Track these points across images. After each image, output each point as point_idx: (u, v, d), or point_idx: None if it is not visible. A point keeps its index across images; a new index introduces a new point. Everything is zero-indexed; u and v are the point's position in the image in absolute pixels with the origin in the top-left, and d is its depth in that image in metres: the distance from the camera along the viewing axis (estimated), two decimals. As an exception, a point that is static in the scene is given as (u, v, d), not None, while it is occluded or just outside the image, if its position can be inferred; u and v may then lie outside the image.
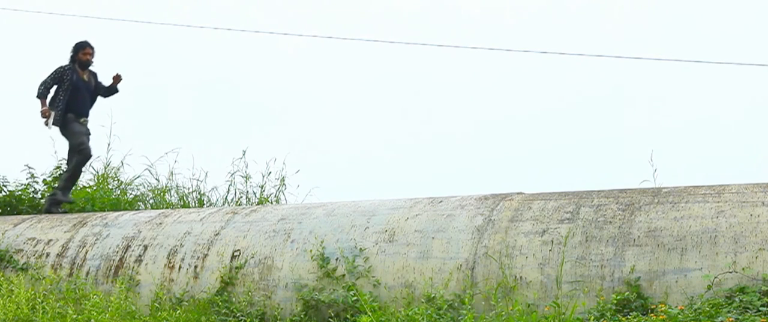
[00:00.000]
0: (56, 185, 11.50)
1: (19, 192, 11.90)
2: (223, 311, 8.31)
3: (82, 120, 11.30)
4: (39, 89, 11.21)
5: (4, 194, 11.89)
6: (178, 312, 8.24)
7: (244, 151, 13.28)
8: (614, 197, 7.86)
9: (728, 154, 17.87)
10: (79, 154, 11.20)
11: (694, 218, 7.29)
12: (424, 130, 20.91)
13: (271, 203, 12.85)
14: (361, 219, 8.55)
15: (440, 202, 8.55)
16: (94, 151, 11.49)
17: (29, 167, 12.12)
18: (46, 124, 11.13)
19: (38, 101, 11.23)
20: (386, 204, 8.80)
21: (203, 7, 22.21)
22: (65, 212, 11.02)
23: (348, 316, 7.79)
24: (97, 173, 13.20)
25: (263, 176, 13.17)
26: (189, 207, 12.80)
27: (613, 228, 7.46)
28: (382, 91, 21.76)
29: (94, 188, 12.51)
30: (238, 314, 8.24)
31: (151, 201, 12.92)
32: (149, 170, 13.37)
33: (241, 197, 13.09)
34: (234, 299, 8.40)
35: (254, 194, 13.11)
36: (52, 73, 11.25)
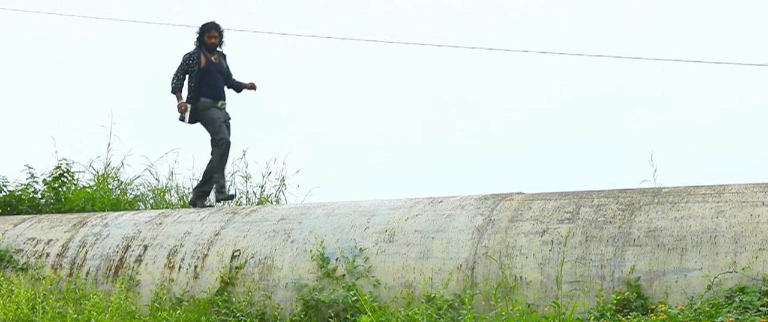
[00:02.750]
0: (198, 185, 10.92)
1: (19, 192, 11.90)
2: (223, 311, 8.31)
3: (219, 104, 10.65)
4: (172, 83, 10.64)
5: (4, 194, 11.89)
6: (178, 312, 8.24)
7: (244, 152, 13.29)
8: (614, 197, 7.86)
9: (728, 154, 17.87)
10: (218, 146, 10.55)
11: (694, 218, 7.29)
12: (423, 131, 20.92)
13: (271, 203, 12.85)
14: (361, 219, 8.56)
15: (440, 202, 8.55)
16: (232, 138, 10.76)
17: (29, 167, 12.12)
18: (182, 119, 10.59)
19: (173, 96, 10.71)
20: (386, 204, 8.80)
21: (203, 7, 22.22)
22: (210, 205, 10.63)
23: (348, 316, 7.79)
24: (97, 172, 13.21)
25: (263, 176, 13.18)
26: (189, 207, 12.80)
27: (613, 228, 7.47)
28: (382, 91, 21.76)
29: (94, 188, 12.50)
30: (238, 314, 8.24)
31: (151, 201, 12.92)
32: (149, 170, 13.38)
33: (241, 197, 13.10)
34: (234, 299, 8.40)
35: (254, 194, 13.12)
36: (180, 64, 10.65)
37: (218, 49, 10.81)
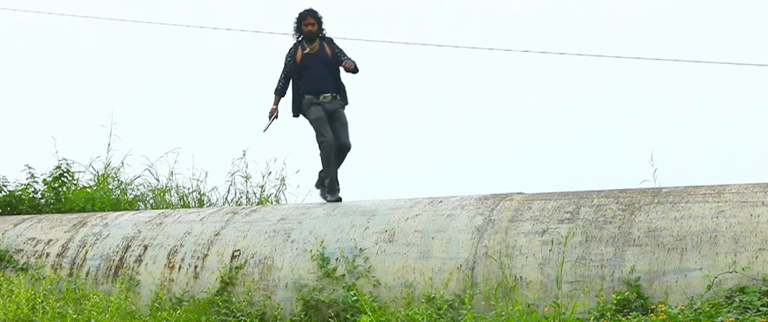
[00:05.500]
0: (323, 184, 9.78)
1: (19, 192, 11.90)
2: (223, 311, 8.31)
3: (322, 98, 9.58)
4: (276, 84, 9.83)
5: (4, 194, 11.90)
6: (178, 312, 8.24)
7: (244, 152, 13.30)
8: (614, 197, 7.86)
9: (728, 154, 17.88)
10: (320, 148, 9.57)
11: (694, 218, 7.29)
12: (424, 130, 20.92)
13: (271, 203, 12.86)
14: (361, 219, 8.56)
15: (440, 202, 8.55)
16: (348, 139, 9.59)
17: (29, 167, 12.13)
18: (265, 126, 9.83)
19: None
20: (386, 204, 8.80)
21: (203, 7, 22.22)
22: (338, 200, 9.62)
23: (348, 316, 7.79)
24: (97, 172, 13.22)
25: (263, 176, 13.19)
26: (189, 207, 12.81)
27: (613, 228, 7.46)
28: (382, 91, 21.75)
29: (94, 188, 12.51)
30: (238, 314, 8.24)
31: (151, 201, 12.93)
32: (149, 170, 13.39)
33: (241, 197, 13.10)
34: (234, 299, 8.40)
35: (254, 194, 13.12)
36: (284, 61, 9.80)
37: (320, 36, 9.81)
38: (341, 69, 9.76)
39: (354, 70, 9.63)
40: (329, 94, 9.64)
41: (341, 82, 9.81)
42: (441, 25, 21.58)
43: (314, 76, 9.67)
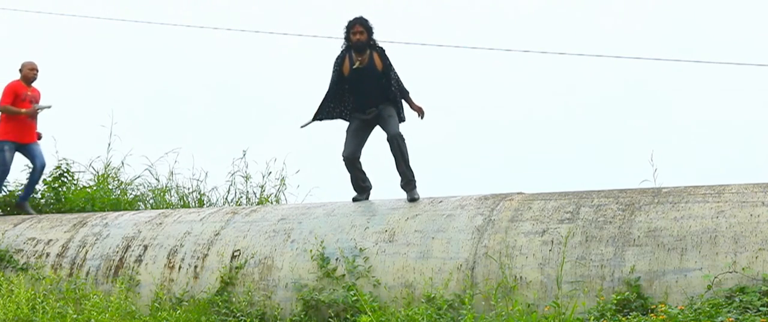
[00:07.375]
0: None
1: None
2: (223, 311, 8.31)
3: (368, 112, 9.27)
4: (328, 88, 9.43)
5: (4, 194, 11.88)
6: (178, 312, 8.24)
7: (245, 152, 13.29)
8: (614, 197, 7.86)
9: (728, 154, 17.88)
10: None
11: (694, 218, 7.29)
12: (423, 130, 20.91)
13: (271, 203, 12.85)
14: (361, 219, 8.56)
15: (440, 202, 8.55)
16: (394, 129, 9.22)
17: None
18: (306, 122, 9.50)
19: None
20: (386, 204, 8.80)
21: (203, 7, 22.24)
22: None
23: (348, 316, 7.79)
24: (97, 172, 13.21)
25: (263, 176, 13.18)
26: (189, 207, 12.80)
27: (613, 228, 7.46)
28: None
29: (94, 188, 12.50)
30: (238, 314, 8.24)
31: (151, 201, 12.92)
32: (149, 170, 13.37)
33: (241, 197, 13.10)
34: (234, 299, 8.40)
35: (254, 194, 13.12)
36: (332, 66, 9.40)
37: (371, 44, 9.34)
38: (393, 80, 9.39)
39: (419, 111, 9.42)
40: (374, 108, 9.27)
41: (393, 94, 9.37)
42: (441, 25, 21.59)
43: (358, 90, 9.31)
